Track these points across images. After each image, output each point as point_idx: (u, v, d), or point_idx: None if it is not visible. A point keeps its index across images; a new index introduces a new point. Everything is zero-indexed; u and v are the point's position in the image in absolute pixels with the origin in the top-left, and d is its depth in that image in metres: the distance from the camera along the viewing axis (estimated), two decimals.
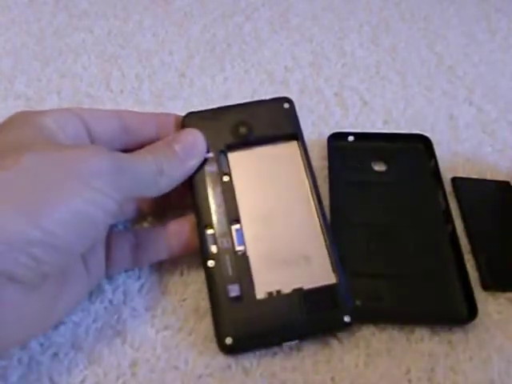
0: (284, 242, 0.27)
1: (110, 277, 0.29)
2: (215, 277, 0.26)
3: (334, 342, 0.27)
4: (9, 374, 0.25)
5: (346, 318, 0.26)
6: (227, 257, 0.27)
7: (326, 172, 0.33)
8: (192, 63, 0.42)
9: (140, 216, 0.31)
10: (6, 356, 0.26)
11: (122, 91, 0.40)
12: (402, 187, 0.33)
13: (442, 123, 0.38)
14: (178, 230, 0.28)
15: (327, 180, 0.32)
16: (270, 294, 0.26)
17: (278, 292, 0.26)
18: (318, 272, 0.27)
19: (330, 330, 0.27)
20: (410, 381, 0.26)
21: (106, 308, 0.28)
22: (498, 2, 0.49)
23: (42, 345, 0.26)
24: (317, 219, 0.28)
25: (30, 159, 0.21)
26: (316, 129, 0.37)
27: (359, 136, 0.35)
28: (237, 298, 0.26)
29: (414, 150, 0.35)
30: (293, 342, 0.26)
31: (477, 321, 0.27)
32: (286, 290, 0.26)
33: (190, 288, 0.29)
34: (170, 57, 0.43)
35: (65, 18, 0.45)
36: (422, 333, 0.27)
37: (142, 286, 0.29)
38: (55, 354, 0.26)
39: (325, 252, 0.27)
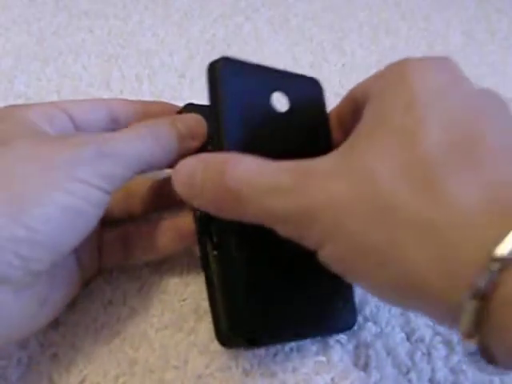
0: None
1: (103, 270, 0.29)
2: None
3: (334, 342, 0.27)
4: (8, 374, 0.25)
5: (351, 320, 0.26)
6: None
7: None
8: (192, 63, 0.42)
9: (129, 216, 0.30)
10: (6, 356, 0.26)
11: (121, 91, 0.40)
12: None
13: None
14: (171, 225, 0.28)
15: None
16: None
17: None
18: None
19: (336, 332, 0.27)
20: (409, 381, 0.26)
21: (105, 308, 0.28)
22: (498, 2, 0.49)
23: (41, 345, 0.26)
24: None
25: (8, 156, 0.20)
26: None
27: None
28: None
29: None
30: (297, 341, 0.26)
31: None
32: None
33: (190, 288, 0.29)
34: (169, 57, 0.43)
35: (65, 17, 0.45)
36: (422, 333, 0.27)
37: (141, 286, 0.29)
38: (55, 354, 0.26)
39: None
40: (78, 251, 0.25)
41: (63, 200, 0.20)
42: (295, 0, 0.48)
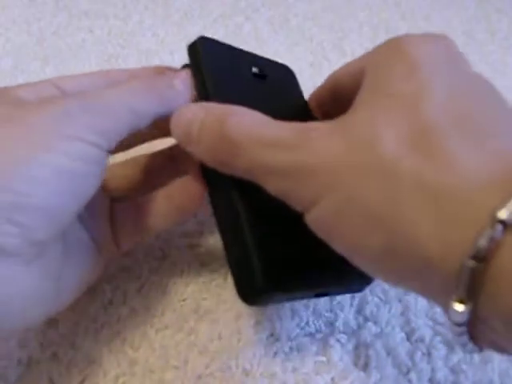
0: None
1: (122, 252, 0.27)
2: None
3: (334, 342, 0.27)
4: (8, 374, 0.25)
5: (364, 282, 0.25)
6: None
7: None
8: None
9: (139, 191, 0.29)
10: (6, 356, 0.26)
11: None
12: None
13: None
14: (174, 194, 0.26)
15: None
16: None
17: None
18: None
19: (350, 291, 0.26)
20: (409, 381, 0.26)
21: (105, 308, 0.28)
22: (498, 2, 0.49)
23: (41, 345, 0.26)
24: None
25: None
26: None
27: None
28: None
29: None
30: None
31: None
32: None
33: (190, 288, 0.29)
34: (170, 57, 0.43)
35: (65, 17, 0.45)
36: (422, 333, 0.27)
37: (141, 286, 0.29)
38: (54, 354, 0.26)
39: None
40: (88, 225, 0.24)
41: (54, 160, 0.19)
42: (295, 0, 0.48)
